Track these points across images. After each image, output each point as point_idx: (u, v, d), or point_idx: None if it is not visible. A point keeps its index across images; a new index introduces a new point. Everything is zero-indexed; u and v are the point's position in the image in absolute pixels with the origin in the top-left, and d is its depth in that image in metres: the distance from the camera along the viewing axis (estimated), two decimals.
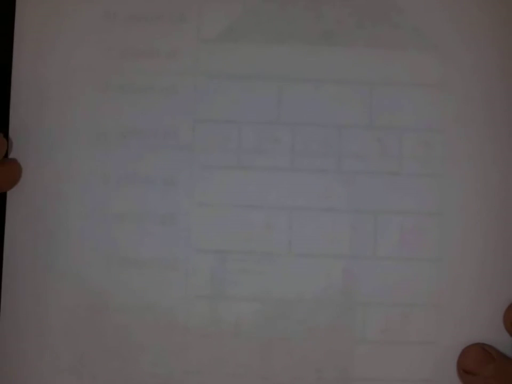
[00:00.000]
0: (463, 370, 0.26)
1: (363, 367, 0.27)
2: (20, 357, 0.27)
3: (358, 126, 0.27)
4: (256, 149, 0.27)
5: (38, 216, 0.27)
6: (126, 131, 0.27)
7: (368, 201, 0.27)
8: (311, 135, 0.27)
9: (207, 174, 0.27)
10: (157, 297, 0.27)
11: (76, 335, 0.27)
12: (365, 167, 0.27)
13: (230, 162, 0.27)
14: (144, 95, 0.27)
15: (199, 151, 0.27)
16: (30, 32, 0.27)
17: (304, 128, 0.27)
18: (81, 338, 0.27)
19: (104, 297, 0.27)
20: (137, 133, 0.27)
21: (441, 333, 0.27)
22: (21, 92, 0.27)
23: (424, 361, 0.27)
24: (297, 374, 0.27)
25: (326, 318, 0.27)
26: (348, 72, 0.27)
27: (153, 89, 0.27)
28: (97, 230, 0.27)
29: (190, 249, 0.27)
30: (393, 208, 0.27)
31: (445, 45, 0.27)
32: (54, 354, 0.27)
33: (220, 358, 0.27)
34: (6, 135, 0.27)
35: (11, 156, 0.27)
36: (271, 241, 0.27)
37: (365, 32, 0.27)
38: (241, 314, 0.27)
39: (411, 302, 0.27)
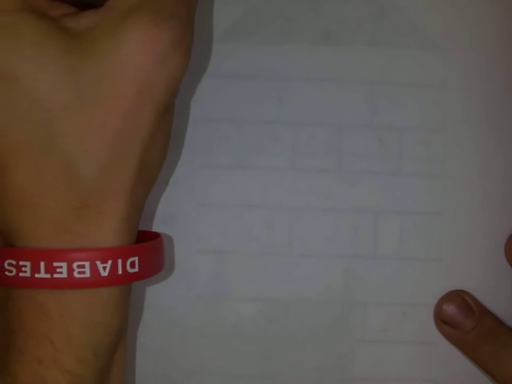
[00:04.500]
0: (441, 320, 0.26)
1: (363, 367, 0.27)
2: None
3: (359, 125, 0.27)
4: (256, 148, 0.27)
5: None
6: None
7: (368, 201, 0.27)
8: (311, 134, 0.27)
9: (207, 174, 0.27)
10: (157, 297, 0.27)
11: None
12: (366, 167, 0.27)
13: (230, 162, 0.27)
14: None
15: (199, 151, 0.27)
16: None
17: (304, 128, 0.27)
18: None
19: None
20: None
21: None
22: None
23: (424, 361, 0.27)
24: (297, 374, 0.27)
25: (326, 318, 0.27)
26: (348, 72, 0.27)
27: None
28: None
29: (190, 249, 0.27)
30: (393, 208, 0.27)
31: (445, 44, 0.27)
32: None
33: (220, 358, 0.27)
34: None
35: None
36: (271, 241, 0.27)
37: (365, 32, 0.27)
38: (241, 314, 0.27)
39: (411, 302, 0.27)
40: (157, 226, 0.27)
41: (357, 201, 0.27)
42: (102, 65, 0.19)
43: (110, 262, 0.20)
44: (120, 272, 0.20)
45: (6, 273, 0.20)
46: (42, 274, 0.20)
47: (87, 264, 0.20)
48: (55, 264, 0.19)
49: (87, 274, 0.20)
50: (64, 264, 0.19)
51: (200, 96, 0.27)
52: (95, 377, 0.20)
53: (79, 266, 0.20)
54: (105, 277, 0.20)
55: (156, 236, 0.23)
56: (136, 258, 0.21)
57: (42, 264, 0.19)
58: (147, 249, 0.22)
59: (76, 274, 0.20)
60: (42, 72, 0.19)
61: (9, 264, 0.20)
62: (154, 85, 0.20)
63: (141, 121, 0.20)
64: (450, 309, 0.26)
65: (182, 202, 0.27)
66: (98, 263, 0.20)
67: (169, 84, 0.20)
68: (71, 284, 0.20)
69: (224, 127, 0.27)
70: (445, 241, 0.27)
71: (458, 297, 0.26)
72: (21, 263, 0.20)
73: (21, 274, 0.20)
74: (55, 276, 0.20)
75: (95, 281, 0.20)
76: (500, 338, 0.25)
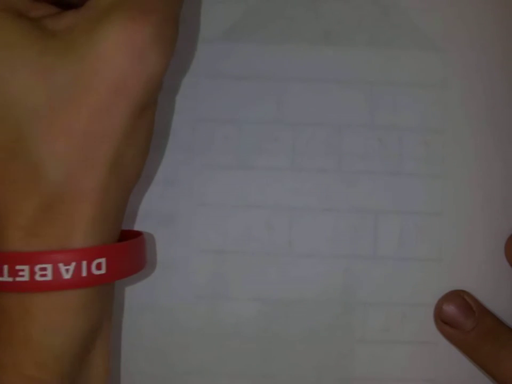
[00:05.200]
0: (441, 320, 0.26)
1: (363, 367, 0.27)
2: None
3: (359, 125, 0.27)
4: (257, 148, 0.27)
5: None
6: None
7: (368, 201, 0.27)
8: (311, 134, 0.27)
9: (207, 174, 0.27)
10: (157, 297, 0.27)
11: None
12: (365, 167, 0.27)
13: (230, 162, 0.27)
14: None
15: (199, 151, 0.27)
16: None
17: (304, 128, 0.27)
18: None
19: None
20: None
21: None
22: None
23: (424, 361, 0.27)
24: (297, 373, 0.27)
25: (326, 318, 0.27)
26: (348, 72, 0.27)
27: None
28: None
29: (190, 249, 0.27)
30: (393, 208, 0.27)
31: (446, 44, 0.27)
32: None
33: (220, 358, 0.27)
34: None
35: None
36: (271, 241, 0.27)
37: (365, 32, 0.27)
38: (241, 314, 0.27)
39: (411, 302, 0.27)
40: (156, 226, 0.27)
41: (356, 201, 0.27)
42: (77, 64, 0.19)
43: (73, 264, 0.19)
44: (84, 274, 0.20)
45: None
46: (5, 278, 0.19)
47: (49, 266, 0.19)
48: (17, 267, 0.19)
49: (49, 277, 0.19)
50: (26, 267, 0.19)
51: (200, 96, 0.27)
52: (57, 382, 0.20)
53: (41, 269, 0.19)
54: (68, 279, 0.19)
55: (137, 235, 0.23)
56: (103, 260, 0.20)
57: (5, 267, 0.19)
58: (116, 250, 0.21)
59: (37, 277, 0.19)
60: (15, 75, 0.19)
61: None
62: (130, 83, 0.19)
63: (114, 121, 0.20)
64: (450, 309, 0.26)
65: (181, 202, 0.27)
66: (60, 265, 0.19)
67: (148, 82, 0.20)
68: (32, 287, 0.19)
69: (224, 127, 0.27)
70: (445, 241, 0.27)
71: (458, 297, 0.26)
72: None
73: None
74: (17, 279, 0.19)
75: (58, 284, 0.19)
76: (500, 338, 0.25)
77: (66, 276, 0.19)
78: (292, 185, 0.27)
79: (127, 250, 0.22)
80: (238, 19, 0.27)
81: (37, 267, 0.19)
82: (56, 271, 0.19)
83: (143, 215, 0.27)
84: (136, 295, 0.27)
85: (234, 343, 0.27)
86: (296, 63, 0.27)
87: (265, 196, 0.27)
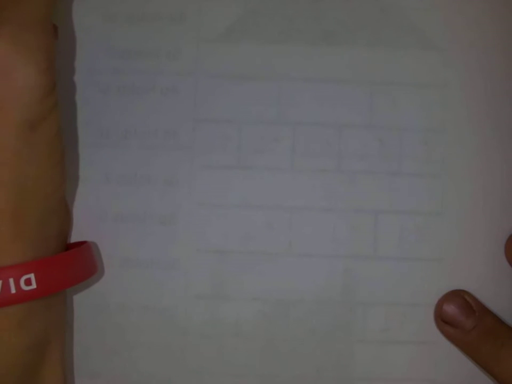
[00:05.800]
0: (442, 319, 0.26)
1: (363, 367, 0.27)
2: None
3: (358, 126, 0.27)
4: (256, 149, 0.27)
5: None
6: (126, 131, 0.27)
7: (368, 201, 0.27)
8: (311, 135, 0.27)
9: (207, 174, 0.27)
10: (157, 297, 0.27)
11: (76, 334, 0.27)
12: (365, 167, 0.27)
13: (230, 162, 0.27)
14: (144, 95, 0.27)
15: (199, 151, 0.27)
16: None
17: (304, 128, 0.27)
18: (81, 337, 0.27)
19: (105, 297, 0.27)
20: (137, 133, 0.27)
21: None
22: None
23: (424, 361, 0.27)
24: (297, 373, 0.27)
25: (326, 318, 0.27)
26: (348, 72, 0.27)
27: (153, 89, 0.27)
28: (97, 230, 0.27)
29: (190, 249, 0.27)
30: (393, 208, 0.27)
31: (446, 44, 0.27)
32: None
33: (220, 358, 0.27)
34: None
35: None
36: (271, 241, 0.27)
37: (365, 32, 0.27)
38: (241, 314, 0.27)
39: (411, 302, 0.27)
40: (156, 226, 0.27)
41: (356, 201, 0.27)
42: None
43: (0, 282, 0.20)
44: (13, 291, 0.20)
45: None
46: None
47: None
48: None
49: None
50: None
51: (200, 96, 0.27)
52: None
53: None
54: None
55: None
56: (31, 275, 0.20)
57: None
58: (45, 264, 0.21)
59: None
60: None
61: None
62: (1, 100, 0.19)
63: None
64: (450, 309, 0.26)
65: (182, 202, 0.27)
66: None
67: (22, 95, 0.19)
68: None
69: (224, 127, 0.27)
70: (445, 241, 0.27)
71: (459, 297, 0.26)
72: None
73: None
74: None
75: None
76: (500, 338, 0.25)
77: None
78: (292, 185, 0.27)
79: (59, 263, 0.21)
80: (238, 19, 0.27)
81: None
82: None
83: (143, 215, 0.27)
84: (136, 295, 0.27)
85: (234, 343, 0.27)
86: (296, 63, 0.27)
87: (265, 196, 0.27)
